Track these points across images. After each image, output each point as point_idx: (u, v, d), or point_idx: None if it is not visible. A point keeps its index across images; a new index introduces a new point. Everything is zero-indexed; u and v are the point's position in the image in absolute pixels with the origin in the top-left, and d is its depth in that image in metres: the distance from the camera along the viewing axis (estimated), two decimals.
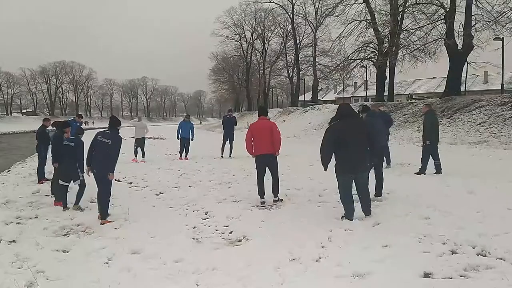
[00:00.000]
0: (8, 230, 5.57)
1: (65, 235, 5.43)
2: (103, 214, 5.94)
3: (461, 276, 3.67)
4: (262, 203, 6.78)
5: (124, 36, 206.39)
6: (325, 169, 5.55)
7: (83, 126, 10.38)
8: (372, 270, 3.79)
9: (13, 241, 5.13)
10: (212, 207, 6.62)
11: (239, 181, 9.15)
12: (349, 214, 5.51)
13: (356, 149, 5.38)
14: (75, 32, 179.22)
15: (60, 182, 6.81)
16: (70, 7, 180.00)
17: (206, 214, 6.23)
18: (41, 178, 9.44)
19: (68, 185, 6.84)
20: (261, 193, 6.86)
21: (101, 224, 5.80)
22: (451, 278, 3.63)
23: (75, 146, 6.59)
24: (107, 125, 6.21)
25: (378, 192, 6.79)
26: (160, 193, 7.97)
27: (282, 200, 6.94)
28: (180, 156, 13.88)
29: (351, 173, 5.51)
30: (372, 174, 6.67)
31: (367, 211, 5.65)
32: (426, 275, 3.70)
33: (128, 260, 4.36)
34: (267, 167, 6.86)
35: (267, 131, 6.72)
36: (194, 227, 5.55)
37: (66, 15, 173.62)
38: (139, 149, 13.32)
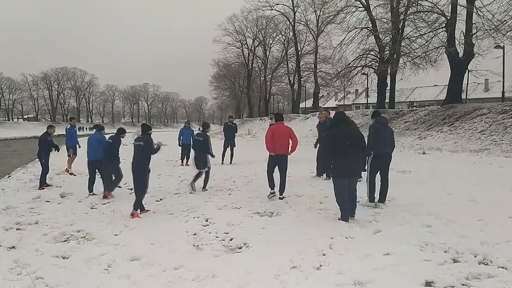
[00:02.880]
0: (8, 236, 5.57)
1: (65, 241, 5.41)
2: (138, 206, 6.64)
3: (462, 285, 3.65)
4: (272, 193, 7.59)
5: (126, 43, 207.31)
6: (327, 174, 5.75)
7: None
8: (373, 278, 3.77)
9: (13, 247, 5.11)
10: (212, 213, 6.60)
11: (240, 187, 9.13)
12: (344, 216, 5.82)
13: (350, 155, 5.77)
14: (77, 38, 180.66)
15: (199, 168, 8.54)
16: (72, 13, 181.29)
17: (206, 221, 6.21)
18: (42, 184, 9.44)
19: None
20: (272, 185, 7.66)
21: (131, 215, 6.47)
22: (453, 287, 3.62)
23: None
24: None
25: (382, 198, 6.86)
26: (160, 199, 7.97)
27: (285, 197, 7.53)
28: (182, 162, 13.91)
29: (346, 177, 5.88)
30: (377, 180, 6.92)
31: (352, 212, 5.92)
32: (428, 284, 3.68)
33: (128, 267, 4.35)
34: (277, 166, 7.60)
35: (285, 135, 7.60)
36: (195, 234, 5.53)
37: (68, 21, 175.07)
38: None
